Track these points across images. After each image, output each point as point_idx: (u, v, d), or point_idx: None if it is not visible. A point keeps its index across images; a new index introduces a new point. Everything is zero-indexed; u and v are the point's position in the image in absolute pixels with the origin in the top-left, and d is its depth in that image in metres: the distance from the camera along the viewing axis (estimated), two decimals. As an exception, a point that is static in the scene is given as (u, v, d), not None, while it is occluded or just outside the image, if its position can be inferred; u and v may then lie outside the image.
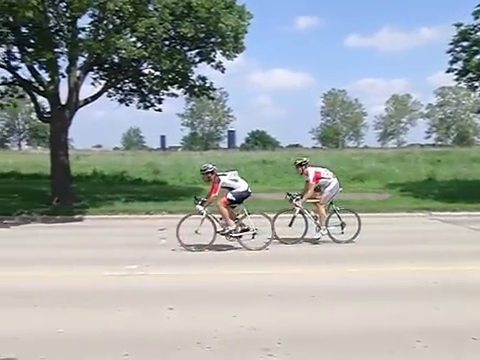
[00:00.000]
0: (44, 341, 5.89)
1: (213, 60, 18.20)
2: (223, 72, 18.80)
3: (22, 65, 17.85)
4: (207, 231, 11.24)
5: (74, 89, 17.57)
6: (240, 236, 11.32)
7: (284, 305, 7.16)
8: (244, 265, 9.71)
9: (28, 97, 21.44)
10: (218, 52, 17.61)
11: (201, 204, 11.26)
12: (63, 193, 17.88)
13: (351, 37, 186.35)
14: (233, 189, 11.25)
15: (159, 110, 20.90)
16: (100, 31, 15.88)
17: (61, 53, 16.93)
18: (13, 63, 18.07)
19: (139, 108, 20.90)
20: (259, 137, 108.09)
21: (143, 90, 20.26)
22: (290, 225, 12.01)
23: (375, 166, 31.24)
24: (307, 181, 12.03)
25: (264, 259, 10.28)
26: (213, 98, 23.09)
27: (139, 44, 16.11)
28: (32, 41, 16.80)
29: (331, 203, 12.11)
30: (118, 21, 15.52)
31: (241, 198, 11.35)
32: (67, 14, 15.11)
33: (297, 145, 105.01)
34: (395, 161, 35.36)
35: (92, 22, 16.06)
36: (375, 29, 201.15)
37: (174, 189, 22.84)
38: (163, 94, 20.23)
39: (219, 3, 15.73)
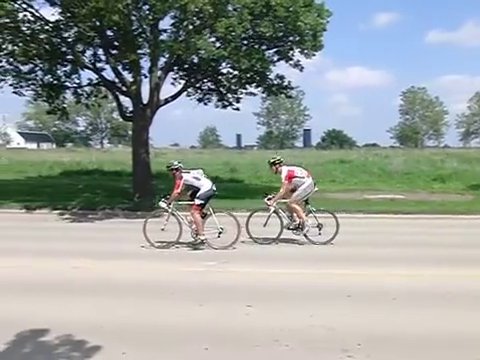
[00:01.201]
0: (128, 331, 6.12)
1: (291, 59, 18.16)
2: (301, 71, 18.76)
3: (107, 66, 18.65)
4: (173, 228, 11.37)
5: (155, 89, 18.07)
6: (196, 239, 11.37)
7: (363, 306, 7.07)
8: (321, 264, 9.62)
9: (111, 97, 22.32)
10: (296, 51, 17.55)
11: (165, 201, 11.41)
12: (144, 190, 18.41)
13: (432, 33, 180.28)
14: (195, 187, 11.33)
15: (237, 109, 21.11)
16: (181, 32, 16.24)
17: (143, 54, 17.49)
18: (98, 65, 18.90)
19: (217, 107, 21.20)
20: (335, 136, 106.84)
21: (221, 89, 20.51)
22: (265, 225, 11.81)
23: (457, 166, 30.05)
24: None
25: (342, 259, 10.14)
26: (291, 97, 23.03)
27: (218, 44, 16.36)
28: (116, 43, 17.43)
29: (307, 203, 11.89)
30: (198, 22, 15.78)
31: (207, 198, 11.31)
32: (150, 17, 15.56)
33: (374, 144, 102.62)
34: (479, 161, 33.84)
35: (173, 23, 16.46)
36: (459, 23, 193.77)
37: (251, 187, 22.96)
38: (241, 93, 20.40)
39: (298, 1, 15.67)
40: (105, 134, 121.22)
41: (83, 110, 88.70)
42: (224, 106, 21.05)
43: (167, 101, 19.08)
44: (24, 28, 16.98)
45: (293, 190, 11.74)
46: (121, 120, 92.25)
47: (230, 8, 15.93)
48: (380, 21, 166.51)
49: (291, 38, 17.11)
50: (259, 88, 19.80)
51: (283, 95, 21.47)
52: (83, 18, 15.19)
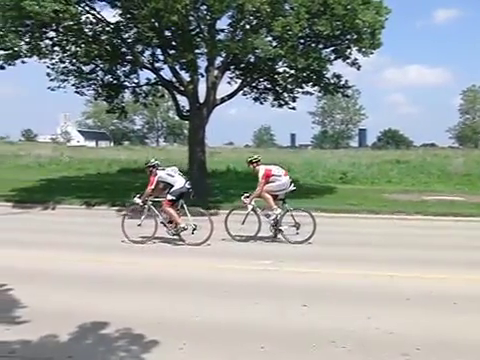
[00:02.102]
0: (185, 326, 6.21)
1: (348, 57, 17.93)
2: (359, 69, 18.52)
3: (164, 66, 18.99)
4: (150, 223, 11.63)
5: (212, 88, 18.24)
6: (179, 233, 11.55)
7: (422, 310, 6.91)
8: (375, 266, 9.44)
9: (167, 96, 22.67)
10: (354, 49, 17.31)
11: (139, 197, 11.71)
12: (199, 188, 18.56)
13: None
14: (169, 184, 11.56)
15: (293, 108, 21.05)
16: (238, 31, 16.33)
17: (201, 54, 17.68)
18: (156, 65, 19.23)
19: (273, 106, 21.19)
20: (391, 136, 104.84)
21: (277, 88, 20.49)
22: (243, 223, 11.96)
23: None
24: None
25: (398, 261, 9.92)
26: (348, 96, 22.78)
27: (275, 43, 16.32)
28: (174, 43, 17.66)
29: (284, 203, 11.97)
30: (255, 21, 15.81)
31: (180, 195, 11.52)
32: (207, 16, 15.70)
33: (432, 144, 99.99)
34: None
35: (230, 23, 16.57)
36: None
37: (306, 187, 22.77)
38: (297, 92, 20.34)
39: (356, -1, 15.45)
40: (161, 133, 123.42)
41: (140, 109, 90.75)
42: (280, 105, 21.01)
43: (223, 100, 19.22)
44: (86, 30, 17.56)
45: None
46: (177, 119, 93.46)
47: (287, 7, 15.89)
48: (439, 18, 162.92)
49: (349, 36, 16.85)
50: (315, 87, 19.65)
51: (339, 94, 21.27)
52: (143, 19, 15.53)
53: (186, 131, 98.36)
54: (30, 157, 35.36)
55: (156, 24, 16.35)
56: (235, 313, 6.74)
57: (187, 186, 11.70)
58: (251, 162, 12.20)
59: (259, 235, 11.97)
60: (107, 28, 17.88)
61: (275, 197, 11.90)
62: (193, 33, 17.24)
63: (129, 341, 5.67)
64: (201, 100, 18.58)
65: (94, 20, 17.58)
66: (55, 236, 12.24)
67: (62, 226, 13.24)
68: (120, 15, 17.66)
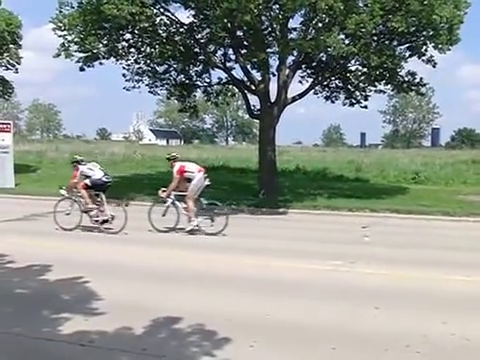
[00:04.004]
0: (255, 325, 6.26)
1: (424, 54, 17.42)
2: (434, 66, 17.94)
3: (236, 66, 19.18)
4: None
5: (283, 87, 18.23)
6: (101, 223, 12.65)
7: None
8: (452, 270, 9.04)
9: (238, 96, 22.86)
10: (430, 46, 16.78)
11: (65, 189, 13.21)
12: (269, 187, 18.67)
13: None
14: (89, 176, 12.74)
15: (365, 107, 20.67)
16: (310, 30, 16.24)
17: (272, 53, 17.72)
18: (228, 64, 19.46)
19: (345, 105, 20.89)
20: (467, 135, 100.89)
21: (349, 87, 20.21)
22: (163, 215, 12.62)
23: None
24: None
25: (477, 264, 9.55)
26: (422, 94, 22.10)
27: (347, 41, 16.09)
28: (246, 43, 17.81)
29: (200, 197, 12.56)
30: (328, 19, 15.63)
31: (96, 185, 12.73)
32: (280, 16, 15.68)
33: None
34: None
35: (302, 22, 16.50)
36: None
37: (377, 187, 22.42)
38: (370, 91, 20.00)
39: (433, -7, 14.97)
40: (230, 131, 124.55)
41: (210, 108, 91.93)
42: (351, 104, 20.71)
43: (294, 99, 19.17)
44: (161, 31, 18.02)
45: (189, 181, 12.57)
46: (246, 118, 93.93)
47: (361, 4, 15.64)
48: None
49: (424, 32, 16.36)
50: (388, 85, 19.25)
51: (413, 92, 20.73)
52: (216, 19, 15.73)
53: (255, 130, 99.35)
54: (104, 155, 36.53)
55: (229, 24, 16.55)
56: (305, 313, 6.72)
57: (104, 179, 12.85)
58: (169, 159, 13.05)
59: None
60: (181, 29, 18.27)
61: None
62: (265, 32, 17.31)
63: (201, 337, 5.77)
64: (272, 99, 18.60)
65: (168, 21, 18.00)
66: (128, 231, 12.60)
67: (136, 222, 13.59)
68: (193, 16, 18.01)
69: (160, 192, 12.89)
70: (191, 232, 12.42)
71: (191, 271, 8.92)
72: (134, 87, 19.90)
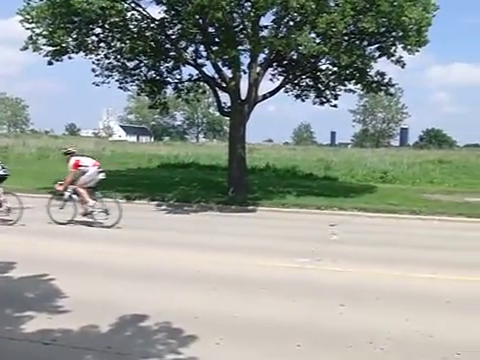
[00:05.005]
0: (222, 323, 6.25)
1: (393, 55, 17.63)
2: (403, 67, 18.16)
3: (207, 62, 19.04)
4: None
5: (254, 85, 18.21)
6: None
7: (464, 314, 6.78)
8: (418, 267, 9.23)
9: (208, 93, 22.78)
10: (399, 46, 16.99)
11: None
12: (238, 184, 18.65)
13: None
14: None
15: (335, 106, 20.86)
16: (281, 28, 16.26)
17: (244, 50, 17.66)
18: (199, 61, 19.32)
19: (315, 104, 21.03)
20: (434, 135, 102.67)
21: (320, 86, 20.34)
22: (61, 208, 13.06)
23: None
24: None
25: (441, 262, 9.72)
26: (391, 94, 22.35)
27: (318, 40, 16.17)
28: (217, 40, 17.74)
29: (95, 190, 13.03)
30: (299, 18, 15.67)
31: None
32: (252, 13, 15.65)
33: (476, 145, 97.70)
34: None
35: (274, 20, 16.49)
36: None
37: (345, 186, 22.64)
38: (340, 90, 20.17)
39: (403, -5, 15.16)
40: (201, 129, 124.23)
41: (181, 105, 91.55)
42: (321, 103, 20.87)
43: (265, 97, 19.19)
44: (132, 26, 17.83)
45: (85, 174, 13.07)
46: (217, 115, 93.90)
47: (332, 4, 15.73)
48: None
49: (394, 33, 16.55)
50: (358, 85, 19.43)
51: (382, 92, 20.97)
52: (187, 15, 15.63)
53: (226, 127, 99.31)
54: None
55: (200, 21, 16.47)
56: (272, 311, 6.73)
57: (1, 173, 12.94)
58: (65, 154, 13.46)
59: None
60: (152, 24, 18.10)
61: (89, 188, 13.00)
62: (237, 29, 17.26)
63: (167, 335, 5.73)
64: (243, 97, 18.56)
65: (139, 17, 17.82)
66: (95, 229, 12.51)
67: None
68: (165, 12, 17.84)
69: (57, 186, 13.29)
70: (88, 215, 12.91)
71: (158, 268, 8.88)
72: (104, 82, 19.66)
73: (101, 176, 13.17)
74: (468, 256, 10.51)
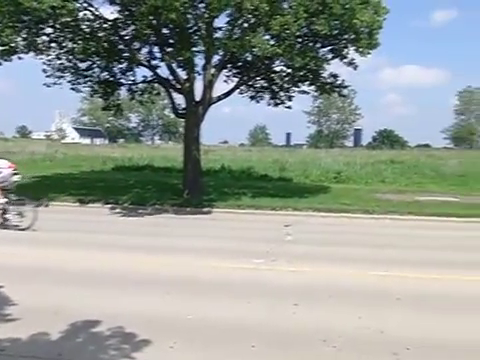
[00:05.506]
0: (176, 326, 6.22)
1: (345, 57, 17.89)
2: (355, 69, 18.44)
3: (161, 64, 18.88)
4: None
5: (208, 86, 18.18)
6: None
7: (414, 310, 6.95)
8: (369, 266, 9.40)
9: (164, 94, 22.61)
10: (351, 49, 17.27)
11: None
12: (193, 186, 18.59)
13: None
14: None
15: (289, 107, 21.03)
16: (235, 30, 16.26)
17: (198, 52, 17.56)
18: (153, 62, 19.12)
19: (269, 105, 21.16)
20: (387, 136, 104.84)
21: (274, 87, 20.47)
22: None
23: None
24: None
25: (387, 261, 9.91)
26: (344, 95, 22.68)
27: (272, 42, 16.26)
28: (172, 41, 17.59)
29: (10, 193, 12.87)
30: (253, 20, 15.73)
31: None
32: (206, 14, 15.63)
33: (426, 145, 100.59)
34: None
35: (228, 21, 16.49)
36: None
37: (300, 186, 22.86)
38: (293, 91, 20.35)
39: (355, -1, 15.43)
40: (156, 131, 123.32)
41: (136, 107, 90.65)
42: (276, 104, 21.01)
43: (220, 99, 19.18)
44: (84, 26, 17.44)
45: None
46: (172, 117, 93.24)
47: (286, 6, 15.81)
48: (437, 18, 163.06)
49: (346, 36, 16.80)
50: (312, 86, 19.65)
51: (336, 94, 21.26)
52: (141, 16, 15.42)
53: (181, 129, 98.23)
54: (24, 154, 35.19)
55: (154, 21, 16.25)
56: (226, 312, 6.75)
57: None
58: None
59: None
60: (105, 25, 17.77)
61: (3, 189, 12.75)
62: (191, 31, 17.14)
63: (120, 340, 5.66)
64: (197, 98, 18.51)
65: (92, 17, 17.46)
66: (47, 234, 12.20)
67: (55, 223, 13.22)
68: (118, 12, 17.55)
69: None
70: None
71: (111, 273, 8.74)
72: (55, 83, 19.23)
73: (16, 178, 13.05)
74: (418, 254, 10.80)
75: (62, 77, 19.14)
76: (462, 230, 14.31)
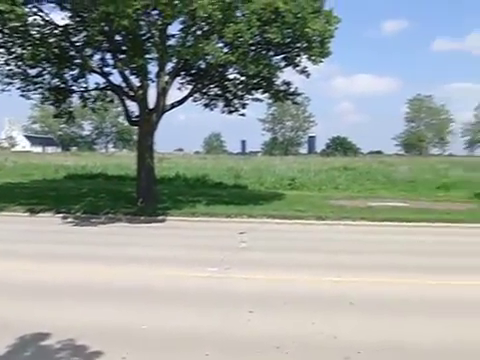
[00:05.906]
0: (129, 336, 6.13)
1: (298, 65, 18.12)
2: (308, 77, 18.70)
3: (114, 71, 18.64)
4: None
5: (162, 94, 18.05)
6: None
7: (366, 314, 7.07)
8: (322, 272, 9.52)
9: (117, 102, 22.35)
10: (304, 57, 17.50)
11: None
12: (147, 195, 18.39)
13: (439, 40, 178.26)
14: None
15: (243, 115, 21.13)
16: (189, 37, 16.22)
17: (151, 59, 17.44)
18: (106, 69, 18.87)
19: (223, 113, 21.21)
20: (340, 143, 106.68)
21: (228, 95, 20.54)
22: None
23: (463, 175, 30.10)
24: None
25: (344, 266, 10.06)
26: (297, 103, 22.98)
27: (226, 49, 16.32)
28: (124, 48, 17.40)
29: None
30: (206, 27, 15.75)
31: None
32: (158, 22, 15.56)
33: (379, 152, 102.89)
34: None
35: (182, 29, 16.44)
36: (466, 32, 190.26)
37: (255, 193, 22.95)
38: (247, 99, 20.46)
39: (306, 8, 15.62)
40: (110, 138, 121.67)
41: (89, 114, 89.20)
42: (230, 112, 21.07)
43: (173, 106, 19.07)
44: (34, 32, 17.06)
45: None
46: (126, 124, 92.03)
47: (239, 14, 15.89)
48: (388, 28, 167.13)
49: (299, 44, 17.04)
50: (265, 94, 19.83)
51: (289, 101, 21.48)
52: (92, 22, 15.25)
53: (135, 137, 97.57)
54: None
55: (106, 28, 16.08)
56: (180, 321, 6.69)
57: None
58: None
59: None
60: (55, 31, 17.44)
61: None
62: (144, 38, 17.02)
63: (70, 352, 5.55)
64: (151, 106, 18.35)
65: (42, 22, 17.09)
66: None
67: (4, 233, 12.86)
68: (69, 18, 17.29)
69: None
70: None
71: (62, 284, 8.54)
72: (4, 90, 18.75)
73: None
74: (370, 259, 11.01)
75: (11, 83, 18.67)
76: (412, 234, 14.64)
